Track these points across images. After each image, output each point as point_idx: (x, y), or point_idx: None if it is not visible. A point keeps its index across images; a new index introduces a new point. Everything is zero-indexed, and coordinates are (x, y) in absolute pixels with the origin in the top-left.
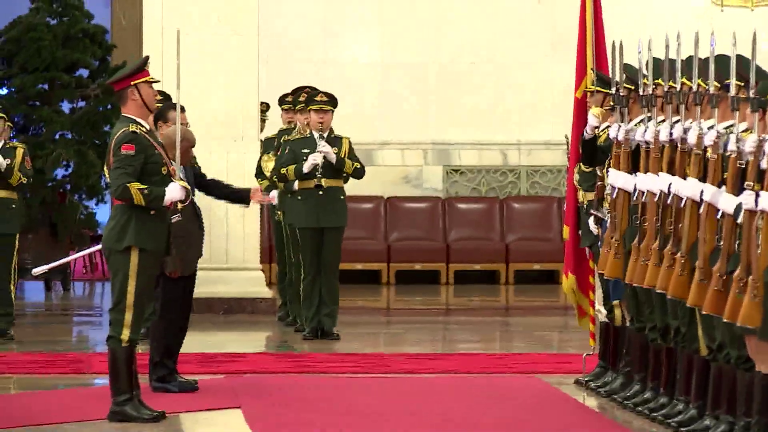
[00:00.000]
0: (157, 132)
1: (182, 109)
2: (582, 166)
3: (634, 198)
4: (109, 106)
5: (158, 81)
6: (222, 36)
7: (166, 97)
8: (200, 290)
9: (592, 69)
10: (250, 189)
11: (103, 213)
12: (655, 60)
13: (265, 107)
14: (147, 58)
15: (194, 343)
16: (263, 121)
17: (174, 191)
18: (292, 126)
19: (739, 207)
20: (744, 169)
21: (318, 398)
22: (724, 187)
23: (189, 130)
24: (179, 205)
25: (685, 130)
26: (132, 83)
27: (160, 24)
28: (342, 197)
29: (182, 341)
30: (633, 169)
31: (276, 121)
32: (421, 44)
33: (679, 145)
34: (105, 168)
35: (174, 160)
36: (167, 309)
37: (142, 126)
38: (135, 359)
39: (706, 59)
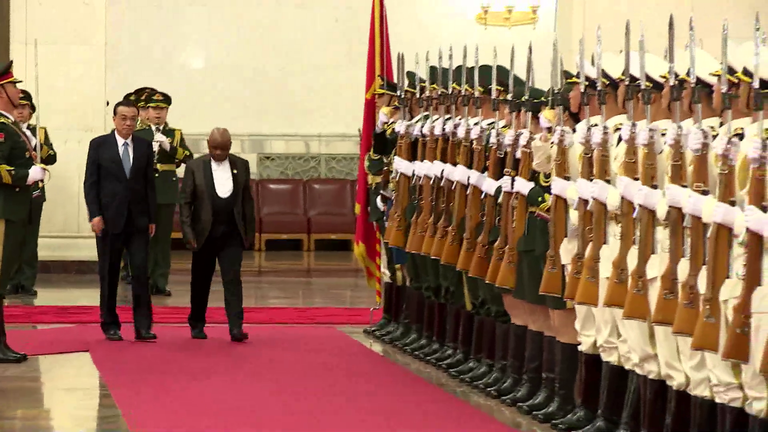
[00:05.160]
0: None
1: (131, 103)
2: (371, 154)
3: (413, 181)
4: None
5: (21, 81)
6: (75, 45)
7: (27, 96)
8: (57, 254)
9: (380, 75)
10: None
11: None
12: (431, 68)
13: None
14: (11, 62)
15: (52, 297)
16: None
17: (36, 173)
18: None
19: (499, 189)
20: (503, 158)
21: (154, 343)
22: (486, 173)
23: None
24: (39, 184)
25: (455, 126)
26: None
27: (24, 35)
28: (174, 179)
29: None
30: (413, 157)
31: None
32: (240, 51)
33: (450, 138)
34: None
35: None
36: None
37: (9, 118)
38: (2, 311)
39: (472, 68)
